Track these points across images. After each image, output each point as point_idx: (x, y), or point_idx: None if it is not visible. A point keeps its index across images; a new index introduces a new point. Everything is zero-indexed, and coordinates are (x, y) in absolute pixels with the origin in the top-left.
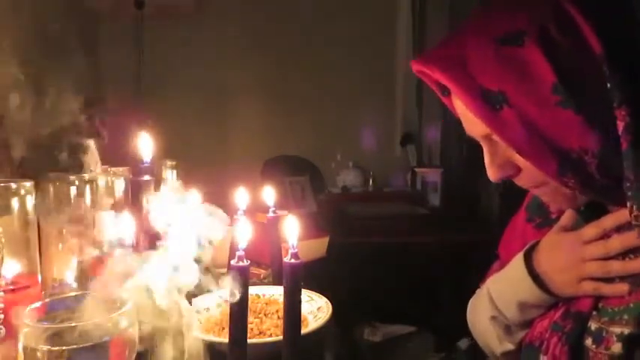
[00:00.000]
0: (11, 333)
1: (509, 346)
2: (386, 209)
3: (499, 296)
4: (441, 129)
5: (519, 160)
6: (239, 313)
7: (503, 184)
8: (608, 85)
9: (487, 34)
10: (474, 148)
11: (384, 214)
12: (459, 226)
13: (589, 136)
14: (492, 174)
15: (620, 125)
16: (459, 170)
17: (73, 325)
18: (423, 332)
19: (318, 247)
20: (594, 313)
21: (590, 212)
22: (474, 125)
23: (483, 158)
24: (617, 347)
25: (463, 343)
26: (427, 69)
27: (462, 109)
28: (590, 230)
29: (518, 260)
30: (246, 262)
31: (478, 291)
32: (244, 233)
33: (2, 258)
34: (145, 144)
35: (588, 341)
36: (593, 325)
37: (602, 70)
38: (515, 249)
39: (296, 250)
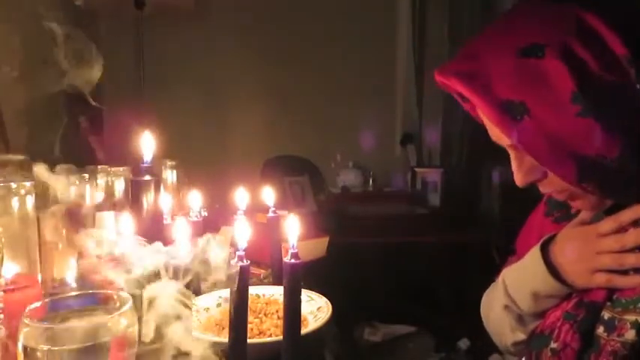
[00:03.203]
0: (11, 333)
1: (521, 336)
2: (386, 209)
3: (513, 286)
4: (441, 129)
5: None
6: (239, 313)
7: (501, 186)
8: (638, 86)
9: (508, 46)
10: (474, 148)
11: (384, 214)
12: (459, 226)
13: (608, 143)
14: (519, 180)
15: None
16: (459, 170)
17: (73, 325)
18: (423, 332)
19: (318, 247)
20: (608, 303)
21: (610, 208)
22: (497, 134)
23: (483, 158)
24: (630, 334)
25: (463, 343)
26: (449, 82)
27: (484, 118)
28: (608, 224)
29: (534, 251)
30: (246, 262)
31: (492, 284)
32: (244, 233)
33: (2, 258)
34: (145, 144)
35: (600, 330)
36: (606, 315)
37: (624, 73)
38: (532, 243)
39: (296, 250)
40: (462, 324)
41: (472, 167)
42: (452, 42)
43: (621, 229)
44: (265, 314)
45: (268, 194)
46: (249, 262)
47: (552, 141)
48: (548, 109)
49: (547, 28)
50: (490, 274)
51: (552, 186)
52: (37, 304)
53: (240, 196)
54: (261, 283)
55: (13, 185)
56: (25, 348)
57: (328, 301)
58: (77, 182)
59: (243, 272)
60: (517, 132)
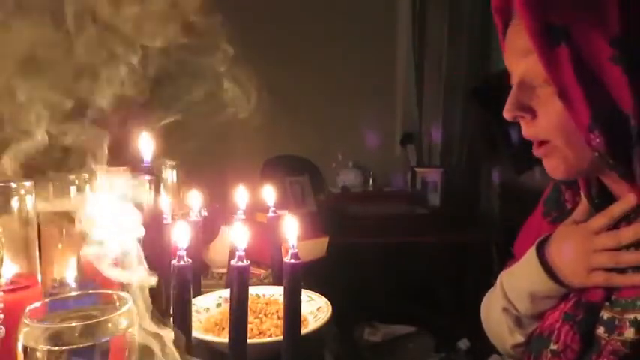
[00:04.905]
0: (11, 333)
1: (520, 338)
2: (386, 209)
3: (511, 288)
4: (441, 129)
5: (538, 107)
6: (239, 313)
7: (501, 186)
8: None
9: None
10: (473, 148)
11: (384, 214)
12: (459, 226)
13: (628, 97)
14: (509, 110)
15: None
16: (459, 170)
17: (73, 325)
18: (423, 332)
19: (318, 247)
20: (606, 304)
21: (604, 205)
22: (518, 59)
23: (483, 159)
24: (630, 332)
25: (463, 343)
26: None
27: (514, 39)
28: (599, 220)
29: (530, 252)
30: (246, 262)
31: (492, 288)
32: (243, 233)
33: (2, 258)
34: (145, 144)
35: (600, 330)
36: (605, 315)
37: None
38: (530, 245)
39: (296, 250)
40: (462, 324)
41: (472, 167)
42: (452, 42)
43: (614, 226)
44: (265, 314)
45: (268, 194)
46: (249, 262)
47: (579, 75)
48: (587, 42)
49: None
50: (490, 274)
51: (535, 130)
52: (37, 304)
53: (240, 196)
54: (261, 283)
55: (13, 185)
56: (25, 348)
57: (328, 301)
58: (77, 182)
59: (243, 272)
60: (550, 56)
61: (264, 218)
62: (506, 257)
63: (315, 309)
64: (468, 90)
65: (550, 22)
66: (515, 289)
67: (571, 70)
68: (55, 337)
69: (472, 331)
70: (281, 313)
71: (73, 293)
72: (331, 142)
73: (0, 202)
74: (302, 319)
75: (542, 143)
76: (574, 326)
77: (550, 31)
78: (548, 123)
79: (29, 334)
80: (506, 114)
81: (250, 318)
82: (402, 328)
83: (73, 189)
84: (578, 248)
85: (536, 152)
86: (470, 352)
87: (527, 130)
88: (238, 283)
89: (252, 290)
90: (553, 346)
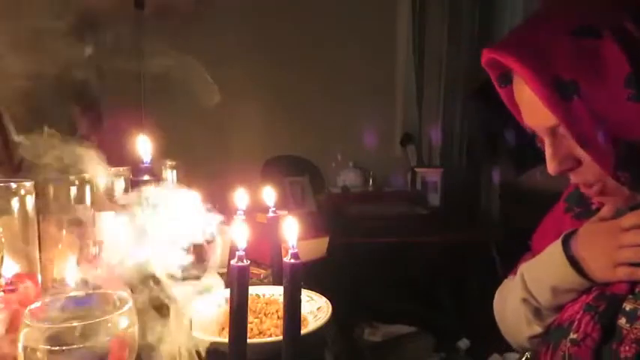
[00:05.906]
0: (11, 333)
1: (538, 329)
2: (386, 209)
3: (533, 280)
4: (441, 129)
5: (581, 153)
6: (239, 313)
7: (501, 186)
8: None
9: (563, 26)
10: (474, 148)
11: (384, 214)
12: (459, 226)
13: None
14: (553, 167)
15: None
16: (459, 170)
17: (73, 325)
18: (423, 332)
19: (318, 247)
20: (630, 296)
21: (635, 205)
22: (538, 116)
23: (483, 158)
24: None
25: (463, 343)
26: (500, 56)
27: (528, 98)
28: (631, 218)
29: (555, 245)
30: (246, 262)
31: (506, 281)
32: (243, 233)
33: (2, 258)
34: (144, 144)
35: (622, 321)
36: (627, 306)
37: None
38: (551, 239)
39: (296, 250)
40: (462, 324)
41: (472, 167)
42: (452, 42)
43: None
44: (265, 314)
45: (268, 194)
46: (249, 262)
47: (598, 123)
48: (600, 91)
49: (604, 9)
50: (490, 273)
51: (584, 176)
52: (37, 304)
53: (240, 196)
54: (261, 283)
55: (13, 185)
56: (25, 348)
57: (328, 301)
58: (77, 182)
59: (243, 272)
60: (565, 112)
61: (264, 218)
62: (506, 257)
63: (315, 309)
64: (473, 88)
65: (558, 77)
66: (536, 282)
67: (590, 121)
68: (55, 337)
69: (472, 331)
70: (281, 313)
71: (73, 293)
72: (331, 142)
73: (0, 202)
74: (302, 319)
75: (594, 181)
76: (595, 316)
77: (560, 87)
78: (595, 167)
79: (29, 334)
80: (553, 171)
81: (250, 318)
82: (402, 328)
83: (73, 189)
84: (605, 244)
85: (588, 193)
86: (470, 352)
87: (576, 178)
88: (238, 283)
89: (252, 290)
90: (573, 336)
